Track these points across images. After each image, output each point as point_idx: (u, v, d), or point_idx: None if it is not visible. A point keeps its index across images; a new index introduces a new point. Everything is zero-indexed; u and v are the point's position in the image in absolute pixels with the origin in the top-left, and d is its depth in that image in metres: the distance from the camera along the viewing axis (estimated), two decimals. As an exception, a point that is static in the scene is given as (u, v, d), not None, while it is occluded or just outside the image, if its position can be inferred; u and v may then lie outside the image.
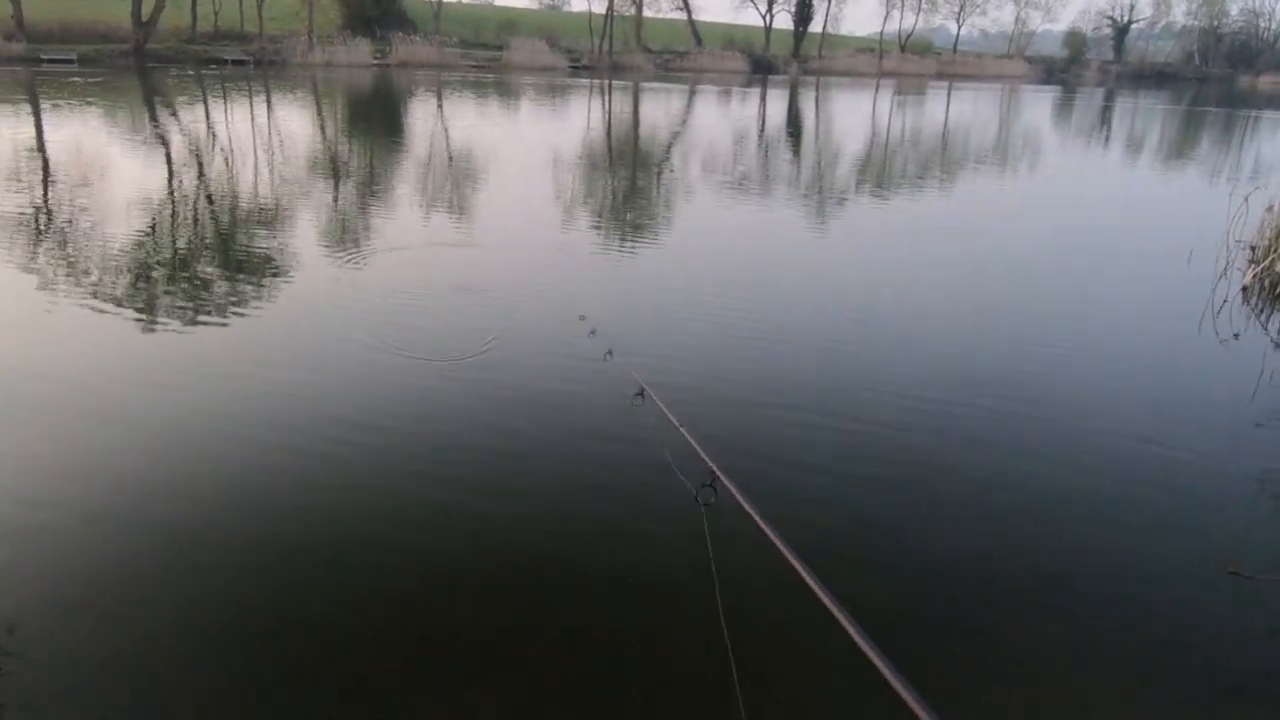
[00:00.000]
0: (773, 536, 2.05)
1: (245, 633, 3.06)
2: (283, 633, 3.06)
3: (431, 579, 3.30)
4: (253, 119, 20.65)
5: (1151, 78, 72.60)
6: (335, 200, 11.13)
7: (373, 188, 12.23)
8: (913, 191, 13.69)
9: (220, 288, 7.13)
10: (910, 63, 65.39)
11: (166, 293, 6.96)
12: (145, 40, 38.25)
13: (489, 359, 5.49)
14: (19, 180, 11.41)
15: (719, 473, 2.44)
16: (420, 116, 23.17)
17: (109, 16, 39.23)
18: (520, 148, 17.75)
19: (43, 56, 34.55)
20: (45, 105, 20.87)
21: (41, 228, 9.00)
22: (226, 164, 13.79)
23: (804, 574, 1.86)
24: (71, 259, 7.81)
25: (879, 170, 16.49)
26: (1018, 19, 79.56)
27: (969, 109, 34.69)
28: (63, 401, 4.80)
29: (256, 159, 14.56)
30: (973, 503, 3.96)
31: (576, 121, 23.78)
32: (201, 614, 3.14)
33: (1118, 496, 4.06)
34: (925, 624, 3.08)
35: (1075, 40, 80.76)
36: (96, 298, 6.65)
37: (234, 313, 6.43)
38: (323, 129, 19.55)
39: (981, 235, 10.67)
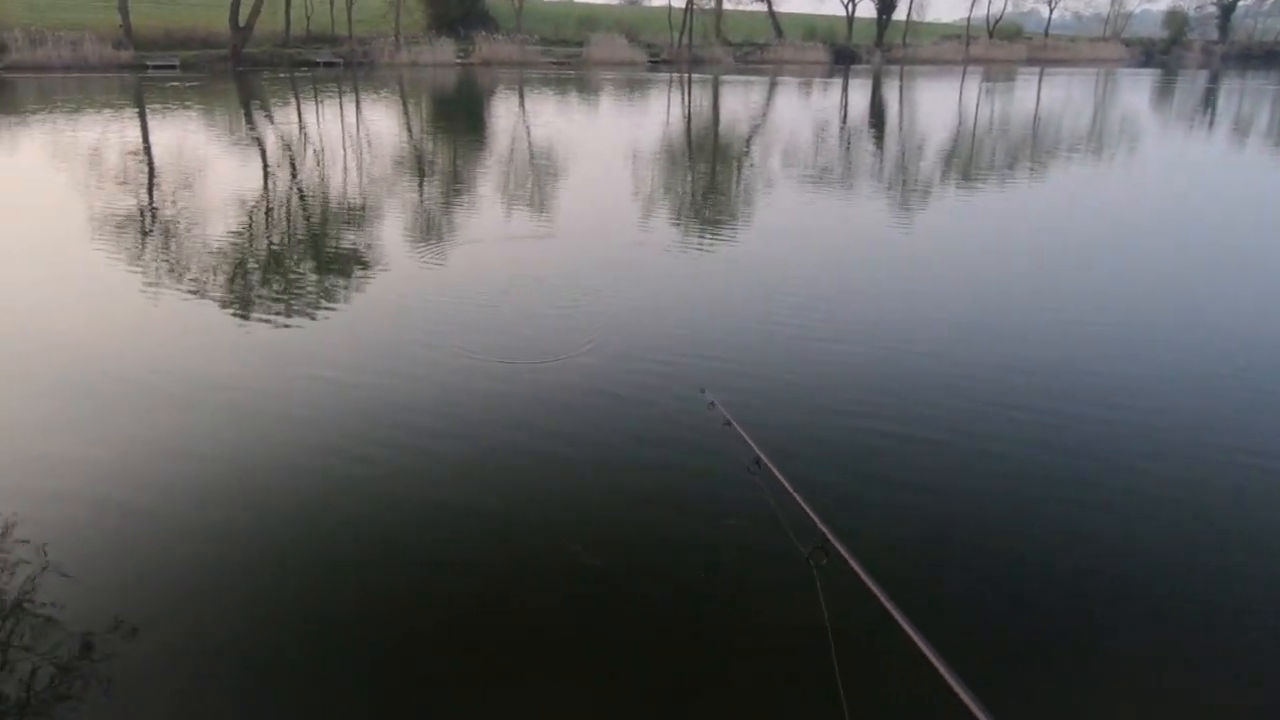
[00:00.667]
0: (885, 602, 2.03)
1: (334, 626, 3.16)
2: (364, 630, 3.15)
3: (530, 618, 3.26)
4: (342, 118, 21.30)
5: (1260, 58, 68.51)
6: (420, 199, 11.39)
7: (456, 186, 12.47)
8: (1007, 184, 13.25)
9: (308, 286, 7.37)
10: (999, 48, 63.30)
11: (255, 290, 7.23)
12: (242, 45, 39.81)
13: (577, 373, 5.47)
14: (125, 182, 12.01)
15: (831, 537, 2.38)
16: (502, 113, 23.51)
17: (209, 23, 40.94)
18: (600, 144, 17.84)
19: (147, 63, 36.29)
20: (149, 109, 21.93)
21: (143, 227, 9.46)
22: (316, 163, 14.26)
23: (917, 640, 1.86)
24: (169, 258, 8.19)
25: (984, 163, 16.00)
26: (1114, 0, 76.13)
27: (1061, 94, 33.38)
28: (152, 395, 5.04)
29: (345, 157, 15.01)
30: (1109, 561, 3.80)
31: (655, 116, 23.78)
32: (287, 609, 3.26)
33: (1258, 527, 3.81)
34: (1037, 693, 2.93)
35: (1176, 20, 76.87)
36: (190, 295, 6.95)
37: (322, 309, 6.64)
38: (408, 127, 20.02)
39: (1099, 231, 10.22)
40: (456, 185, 12.41)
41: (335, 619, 3.16)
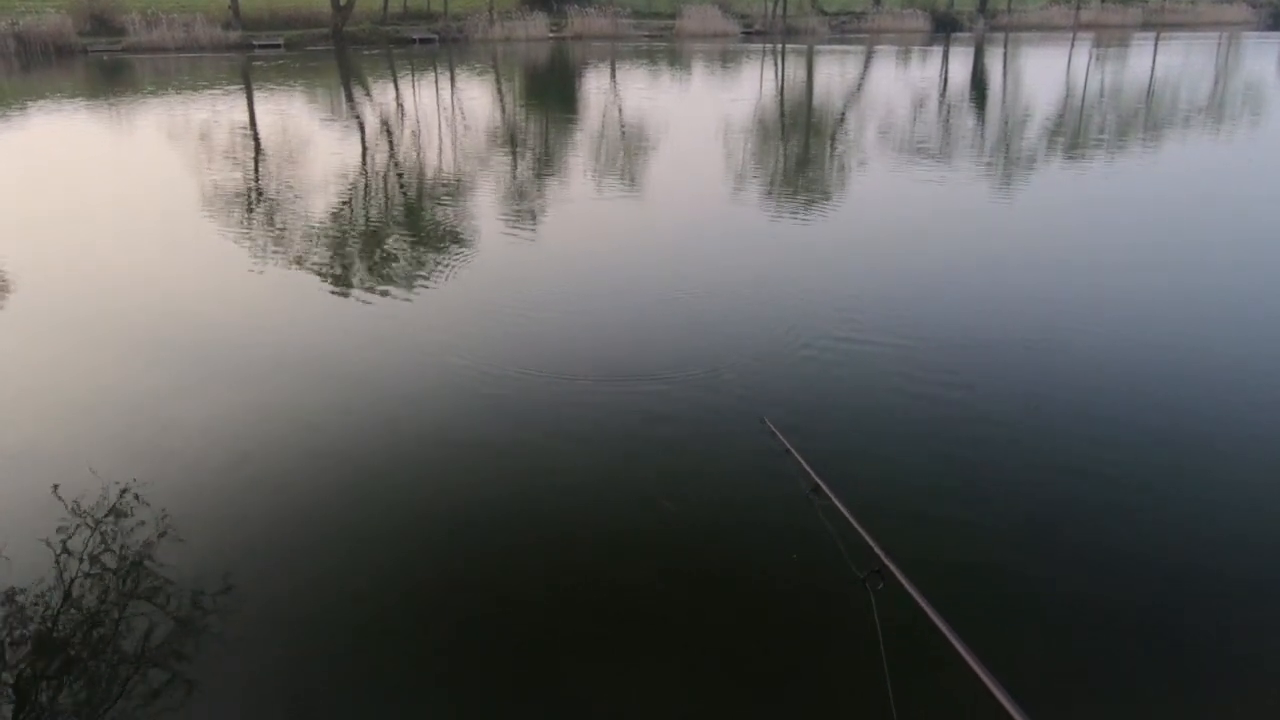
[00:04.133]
0: (940, 625, 2.00)
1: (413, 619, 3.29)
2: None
3: (586, 642, 3.21)
4: (437, 94, 21.71)
5: None
6: (512, 178, 11.55)
7: (547, 165, 12.60)
8: (1114, 171, 12.58)
9: (407, 261, 7.59)
10: (1112, 12, 59.86)
11: (357, 265, 7.49)
12: (343, 24, 40.94)
13: (641, 396, 5.06)
14: (233, 159, 12.56)
15: (887, 560, 2.37)
16: (594, 89, 23.55)
17: (311, 4, 42.24)
18: (690, 121, 17.71)
19: (254, 43, 37.69)
20: (256, 87, 22.80)
21: (249, 202, 9.89)
22: (413, 139, 14.60)
23: (972, 664, 1.83)
24: (275, 232, 8.54)
25: (1090, 147, 15.26)
26: (1242, -42, 70.84)
27: (1178, 61, 31.44)
28: (260, 363, 5.29)
29: (439, 133, 15.31)
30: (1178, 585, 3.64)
31: (748, 89, 23.43)
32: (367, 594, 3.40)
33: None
34: None
35: (1313, -22, 71.17)
36: (296, 268, 7.25)
37: (422, 286, 6.84)
38: (501, 102, 20.28)
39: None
40: (547, 166, 12.53)
41: (430, 586, 3.29)
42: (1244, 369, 5.08)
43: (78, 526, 3.60)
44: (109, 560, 3.39)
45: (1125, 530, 3.65)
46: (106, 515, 3.67)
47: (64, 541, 3.50)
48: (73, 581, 3.25)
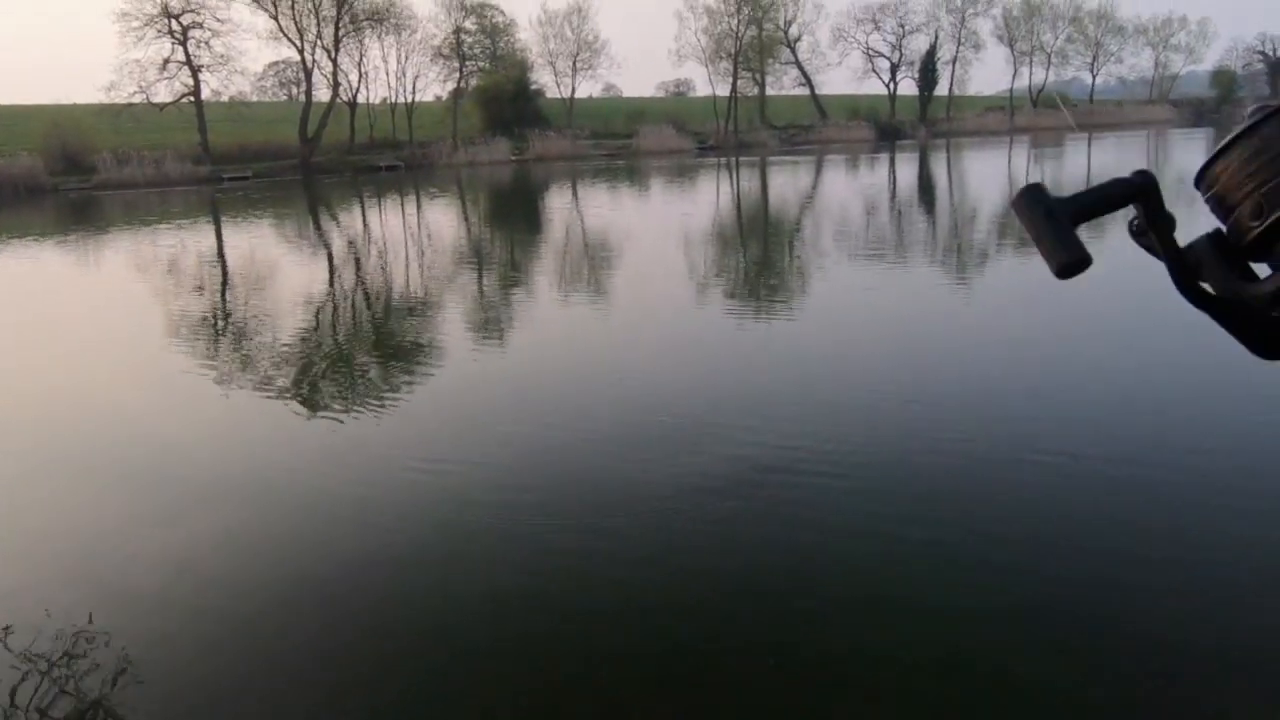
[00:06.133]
0: None
1: None
2: None
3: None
4: (403, 216, 22.14)
5: (1319, 111, 66.94)
6: (479, 291, 11.64)
7: (512, 276, 12.73)
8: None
9: (374, 380, 7.51)
10: (1045, 117, 63.30)
11: (323, 386, 7.39)
12: (311, 154, 42.02)
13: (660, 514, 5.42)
14: (199, 287, 12.55)
15: None
16: (556, 205, 24.15)
17: (280, 137, 43.40)
18: (652, 229, 18.13)
19: (223, 175, 38.43)
20: (224, 218, 23.09)
21: (216, 328, 9.81)
22: (378, 259, 14.74)
23: None
24: (241, 357, 8.44)
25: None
26: (1157, 63, 75.76)
27: (1112, 157, 33.08)
28: (228, 492, 5.11)
29: (407, 253, 15.49)
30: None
31: (705, 198, 24.17)
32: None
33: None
34: None
35: (1224, 79, 76.01)
36: (261, 392, 7.12)
37: (389, 403, 6.74)
38: (466, 222, 20.68)
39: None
40: (512, 277, 12.67)
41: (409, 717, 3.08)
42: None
43: (28, 673, 3.35)
44: (64, 708, 3.14)
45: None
46: (61, 658, 3.43)
47: (13, 690, 3.25)
48: (22, 733, 3.00)
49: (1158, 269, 0.79)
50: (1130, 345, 7.13)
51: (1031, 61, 67.78)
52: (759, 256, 13.82)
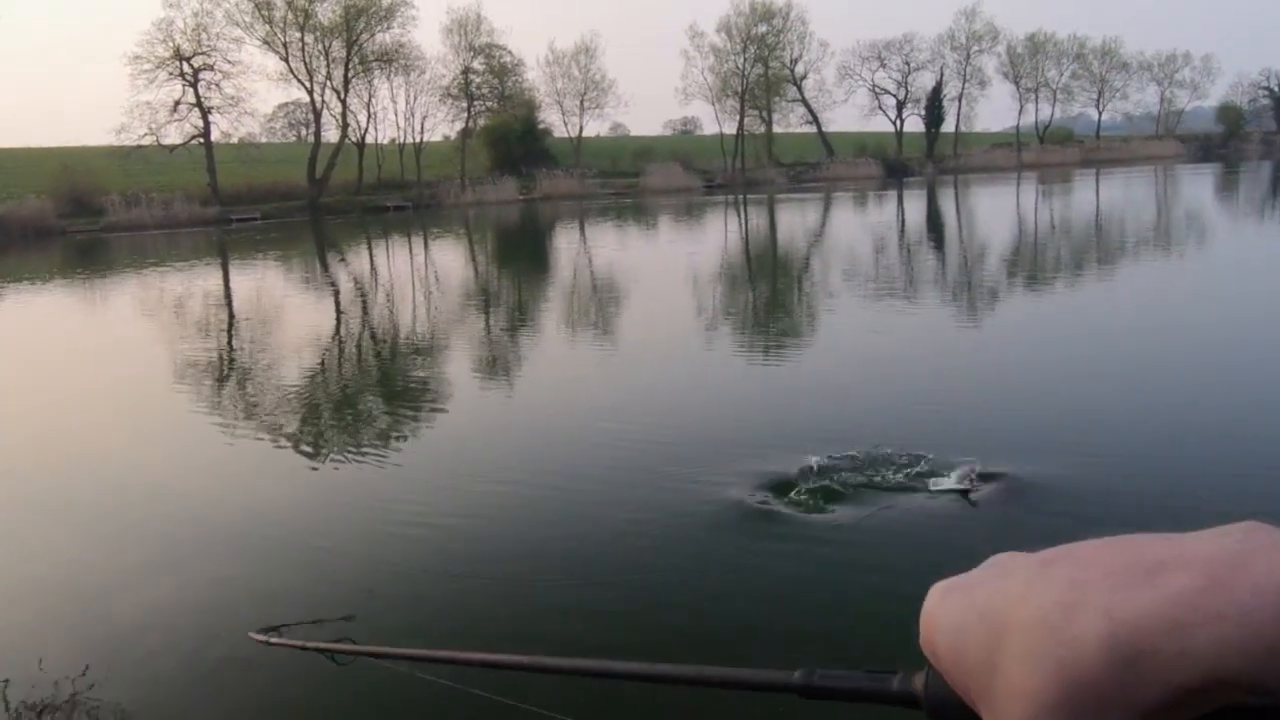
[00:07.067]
0: None
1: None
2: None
3: None
4: (411, 256, 22.14)
5: (1325, 144, 67.23)
6: (487, 331, 11.50)
7: (519, 317, 12.60)
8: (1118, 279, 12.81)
9: (381, 425, 7.33)
10: (1051, 153, 63.52)
11: (329, 432, 7.21)
12: (319, 195, 42.32)
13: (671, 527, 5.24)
14: (206, 329, 12.45)
15: None
16: (562, 245, 24.14)
17: (289, 178, 43.73)
18: (659, 269, 18.04)
19: (232, 217, 38.66)
20: (232, 259, 23.13)
21: (223, 372, 9.67)
22: (386, 300, 14.65)
23: None
24: (247, 401, 8.28)
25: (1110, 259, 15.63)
26: (1163, 99, 76.07)
27: (1120, 193, 33.02)
28: (232, 532, 4.91)
29: (414, 294, 15.41)
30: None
31: (712, 237, 24.12)
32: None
33: None
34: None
35: (1230, 114, 76.23)
36: (267, 438, 6.94)
37: (396, 450, 6.55)
38: (473, 263, 20.65)
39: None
40: (519, 318, 12.54)
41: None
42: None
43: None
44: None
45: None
46: (54, 709, 3.23)
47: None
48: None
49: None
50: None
51: (1037, 98, 68.07)
52: (768, 298, 13.67)
